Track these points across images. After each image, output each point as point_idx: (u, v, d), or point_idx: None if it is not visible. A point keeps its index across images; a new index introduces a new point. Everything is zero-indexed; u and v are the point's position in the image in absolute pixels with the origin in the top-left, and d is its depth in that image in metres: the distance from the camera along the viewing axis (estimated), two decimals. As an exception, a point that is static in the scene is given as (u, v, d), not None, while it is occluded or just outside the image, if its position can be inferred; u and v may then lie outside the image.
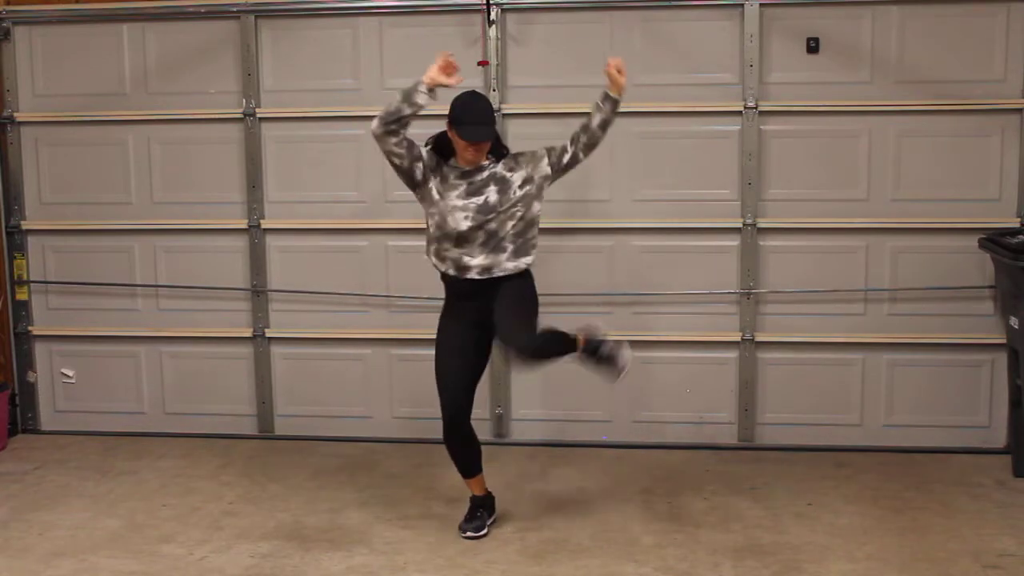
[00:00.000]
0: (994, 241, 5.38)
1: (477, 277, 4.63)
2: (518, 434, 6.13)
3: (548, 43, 5.88)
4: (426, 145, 4.69)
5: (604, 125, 4.69)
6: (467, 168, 4.64)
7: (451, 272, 4.68)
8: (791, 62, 5.76)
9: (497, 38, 5.86)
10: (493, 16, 5.78)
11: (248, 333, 6.24)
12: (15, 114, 6.24)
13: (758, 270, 5.88)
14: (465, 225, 4.58)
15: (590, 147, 4.72)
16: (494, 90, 5.86)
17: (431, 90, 4.48)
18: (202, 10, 6.05)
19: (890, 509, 5.07)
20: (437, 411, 6.09)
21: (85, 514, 5.17)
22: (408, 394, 6.16)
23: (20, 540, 4.87)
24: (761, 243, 5.87)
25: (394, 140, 4.52)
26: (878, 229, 5.81)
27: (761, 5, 5.70)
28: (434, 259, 4.74)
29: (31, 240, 6.36)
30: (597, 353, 4.66)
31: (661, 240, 5.90)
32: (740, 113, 5.78)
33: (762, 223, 5.84)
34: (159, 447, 6.14)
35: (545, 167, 4.68)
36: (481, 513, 4.88)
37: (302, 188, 6.12)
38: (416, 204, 5.99)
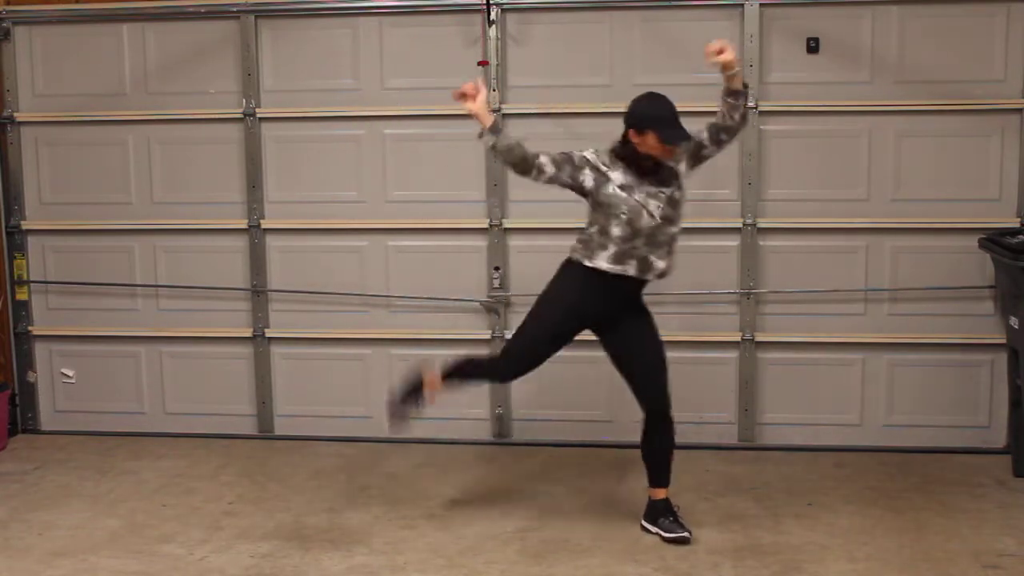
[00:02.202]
0: (994, 241, 5.38)
1: (652, 279, 4.57)
2: (518, 434, 6.12)
3: (548, 43, 5.88)
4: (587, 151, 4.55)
5: (729, 131, 4.57)
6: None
7: (631, 272, 4.49)
8: (791, 62, 5.76)
9: (497, 38, 5.85)
10: (493, 16, 5.78)
11: (248, 333, 6.24)
12: (15, 114, 6.24)
13: (758, 270, 5.88)
14: (656, 220, 4.47)
15: (719, 138, 4.59)
16: (494, 90, 5.85)
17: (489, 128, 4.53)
18: (202, 10, 6.04)
19: (890, 509, 5.06)
20: (437, 412, 6.12)
21: (85, 514, 5.17)
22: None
23: (20, 540, 4.87)
24: (761, 243, 5.87)
25: (534, 175, 4.52)
26: (878, 229, 5.81)
27: (761, 5, 5.70)
28: (607, 264, 4.46)
29: (31, 240, 6.35)
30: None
31: (661, 240, 5.90)
32: (740, 113, 5.78)
33: (762, 223, 5.84)
34: (159, 447, 6.14)
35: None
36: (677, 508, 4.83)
37: (302, 188, 6.12)
38: (415, 204, 6.06)
